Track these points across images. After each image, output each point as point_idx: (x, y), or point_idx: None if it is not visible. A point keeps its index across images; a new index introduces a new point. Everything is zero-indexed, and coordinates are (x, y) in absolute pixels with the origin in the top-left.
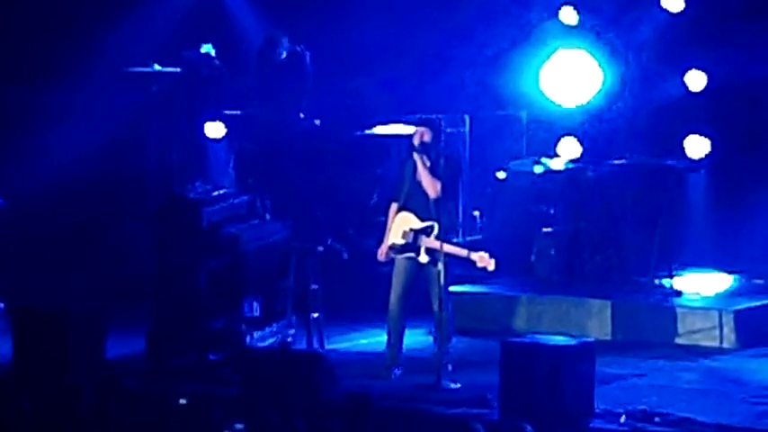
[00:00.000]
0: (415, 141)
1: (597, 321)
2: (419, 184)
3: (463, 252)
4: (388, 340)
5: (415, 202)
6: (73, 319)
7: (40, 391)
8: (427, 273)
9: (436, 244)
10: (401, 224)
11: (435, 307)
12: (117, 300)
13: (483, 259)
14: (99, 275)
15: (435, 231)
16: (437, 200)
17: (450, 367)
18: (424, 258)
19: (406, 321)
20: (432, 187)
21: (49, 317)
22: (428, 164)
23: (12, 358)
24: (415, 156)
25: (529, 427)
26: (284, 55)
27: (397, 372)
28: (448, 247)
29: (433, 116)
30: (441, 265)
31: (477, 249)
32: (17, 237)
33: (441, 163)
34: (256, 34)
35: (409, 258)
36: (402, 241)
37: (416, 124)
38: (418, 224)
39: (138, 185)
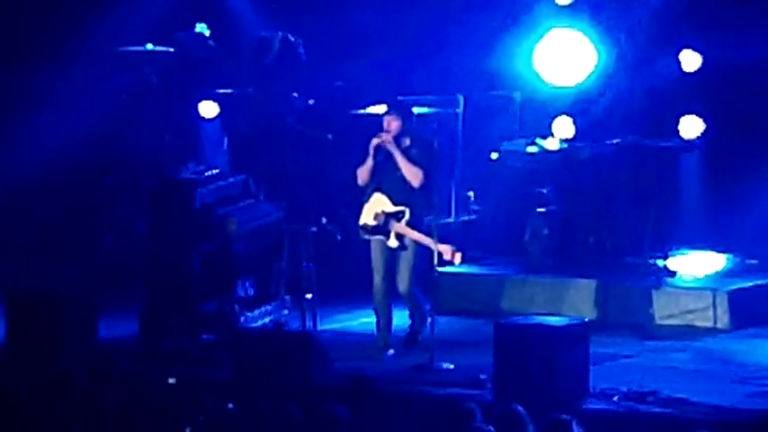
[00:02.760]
0: (387, 130)
1: (590, 302)
2: (395, 168)
3: (430, 242)
4: (378, 322)
5: (390, 185)
6: (65, 303)
7: (32, 375)
8: (397, 254)
9: (406, 230)
10: (374, 206)
11: (401, 288)
12: (110, 283)
13: (448, 252)
14: (92, 259)
15: (406, 217)
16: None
17: (391, 352)
18: (393, 243)
19: (392, 301)
20: (414, 177)
21: (41, 302)
22: (400, 149)
23: (4, 343)
24: (387, 144)
25: (522, 409)
26: (274, 56)
27: (391, 352)
28: (416, 235)
29: (403, 99)
30: (410, 248)
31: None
32: (9, 221)
33: (415, 146)
34: (249, 15)
35: (381, 243)
36: (373, 223)
37: (385, 111)
38: (390, 207)
39: (131, 167)
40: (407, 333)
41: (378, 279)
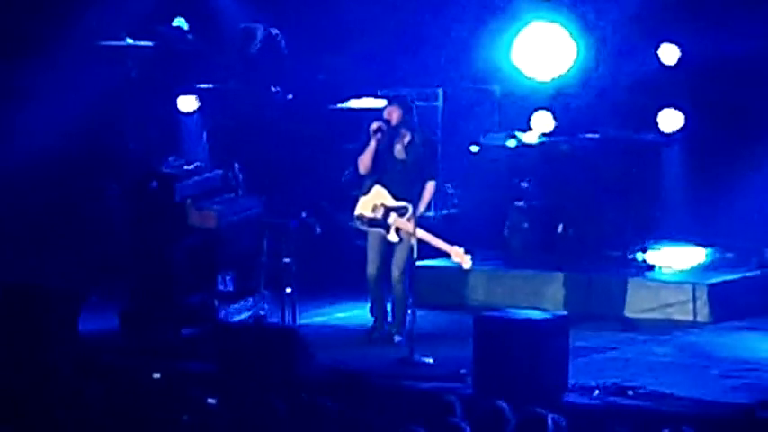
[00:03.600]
0: (388, 119)
1: (571, 295)
2: (395, 160)
3: (440, 243)
4: (373, 310)
5: (391, 178)
6: (50, 297)
7: (17, 368)
8: (394, 244)
9: (410, 228)
10: (373, 198)
11: (395, 273)
12: (94, 276)
13: (459, 255)
14: (76, 253)
15: (409, 213)
16: (415, 178)
17: (399, 338)
18: (394, 237)
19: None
20: (431, 194)
21: (25, 295)
22: (404, 142)
23: None
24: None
25: (504, 404)
26: (259, 46)
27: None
28: (423, 234)
29: (405, 93)
30: (407, 240)
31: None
32: None
33: (416, 141)
34: (230, 8)
35: (377, 234)
36: (371, 215)
37: (387, 103)
38: (391, 202)
39: (114, 161)
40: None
41: (371, 269)
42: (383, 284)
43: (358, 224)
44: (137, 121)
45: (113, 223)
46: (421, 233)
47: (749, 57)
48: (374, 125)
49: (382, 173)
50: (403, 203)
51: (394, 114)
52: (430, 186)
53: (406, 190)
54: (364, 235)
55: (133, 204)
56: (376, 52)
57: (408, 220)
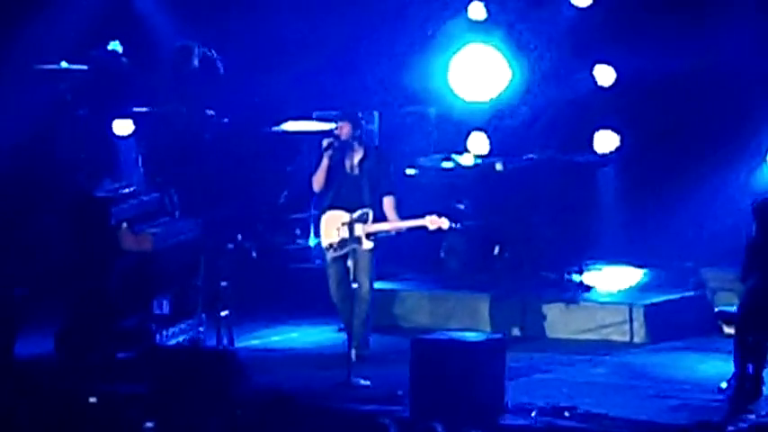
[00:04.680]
0: (338, 135)
1: (507, 317)
2: (349, 176)
3: (412, 222)
4: (347, 329)
5: (345, 193)
6: None
7: None
8: (357, 256)
9: (379, 226)
10: (330, 224)
11: (363, 290)
12: (28, 296)
13: (434, 222)
14: (10, 275)
15: (371, 215)
16: (372, 192)
17: (363, 352)
18: (369, 244)
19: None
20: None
21: None
22: (357, 157)
23: None
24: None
25: (439, 427)
26: (196, 63)
27: (355, 353)
28: (394, 224)
29: (354, 109)
30: (367, 254)
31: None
32: None
33: (370, 156)
34: (165, 30)
35: (338, 257)
36: (338, 238)
37: (337, 118)
38: (348, 216)
39: (48, 183)
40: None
41: (333, 289)
42: (349, 304)
43: (332, 253)
44: (71, 145)
45: (49, 245)
46: (390, 225)
47: (682, 77)
48: (325, 142)
49: (337, 188)
50: (360, 211)
51: (344, 129)
52: (390, 201)
53: (361, 202)
54: (304, 258)
55: (68, 227)
56: (311, 75)
57: (374, 221)
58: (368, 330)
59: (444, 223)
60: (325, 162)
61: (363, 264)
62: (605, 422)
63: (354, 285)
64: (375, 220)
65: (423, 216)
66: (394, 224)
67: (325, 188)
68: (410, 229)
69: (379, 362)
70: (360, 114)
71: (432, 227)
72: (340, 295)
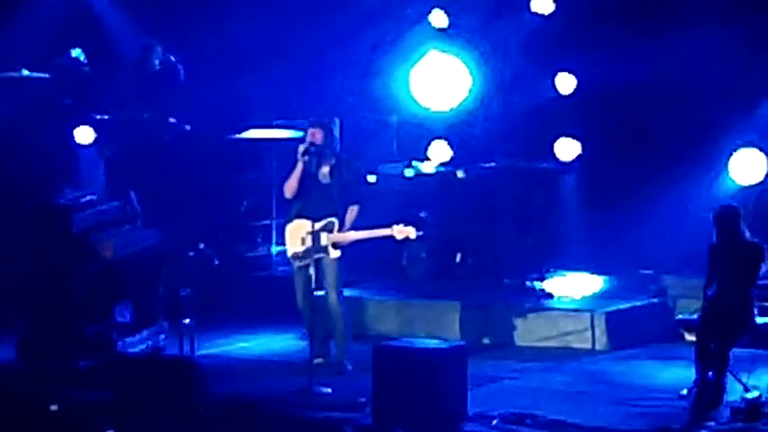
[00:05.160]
0: (314, 141)
1: (469, 324)
2: (319, 184)
3: (379, 232)
4: (310, 338)
5: (315, 200)
6: None
7: None
8: (323, 266)
9: (346, 236)
10: (294, 233)
11: (331, 299)
12: None
13: (402, 231)
14: None
15: (336, 225)
16: (341, 202)
17: (349, 366)
18: (335, 253)
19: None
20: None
21: None
22: (329, 165)
23: None
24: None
25: None
26: (158, 64)
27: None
28: (360, 234)
29: (325, 117)
30: (333, 262)
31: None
32: None
33: (341, 165)
34: (128, 38)
35: (303, 266)
36: (302, 248)
37: (310, 125)
38: (313, 226)
39: (9, 191)
40: (329, 361)
41: (300, 298)
42: (315, 311)
43: (298, 263)
44: (33, 153)
45: (11, 253)
46: (357, 234)
47: (643, 86)
48: (301, 147)
49: (307, 196)
50: (326, 220)
51: (317, 135)
52: (354, 210)
53: (330, 213)
54: (266, 266)
55: (30, 235)
56: (273, 82)
57: (339, 231)
58: (348, 341)
59: (411, 232)
60: (299, 167)
61: (329, 273)
62: (567, 429)
63: (320, 293)
64: (341, 229)
65: (389, 225)
66: (360, 234)
67: (297, 195)
68: (377, 239)
69: (339, 369)
70: (332, 122)
71: (399, 236)
72: (305, 304)
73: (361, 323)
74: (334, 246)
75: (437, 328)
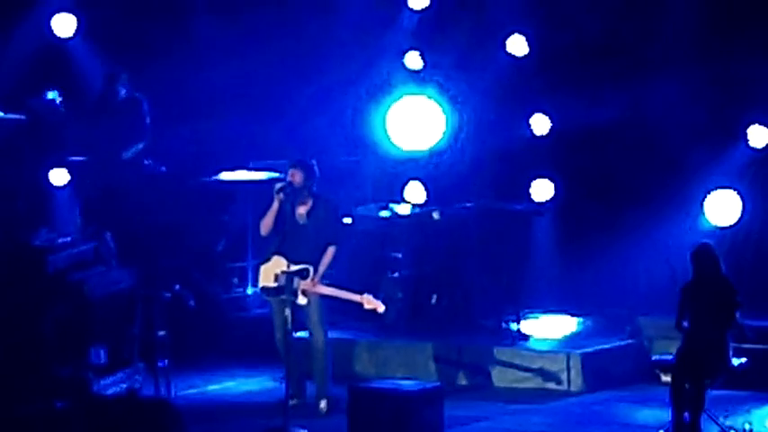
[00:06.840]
0: (291, 181)
1: (444, 365)
2: (297, 225)
3: (349, 295)
4: (287, 377)
5: (292, 242)
6: None
7: None
8: (307, 305)
9: (318, 288)
10: (272, 267)
11: (318, 339)
12: None
13: (370, 302)
14: None
15: (311, 274)
16: (318, 243)
17: (325, 407)
18: (303, 300)
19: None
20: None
21: None
22: (306, 206)
23: None
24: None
25: None
26: (124, 93)
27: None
28: (330, 290)
29: (307, 159)
30: (315, 301)
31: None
32: None
33: (319, 207)
34: (96, 75)
35: (280, 305)
36: (274, 284)
37: (290, 165)
38: (290, 267)
39: None
40: (303, 401)
41: (279, 334)
42: (292, 349)
43: (265, 296)
44: (6, 194)
45: None
46: (327, 290)
47: (617, 126)
48: (278, 185)
49: (283, 236)
50: (303, 266)
51: (296, 177)
52: (330, 251)
53: (306, 254)
54: (241, 307)
55: (5, 276)
56: (248, 122)
57: (312, 280)
58: (328, 381)
59: (380, 307)
60: (275, 205)
61: (314, 312)
62: None
63: (301, 334)
64: (314, 279)
65: (361, 292)
66: (330, 290)
67: (272, 233)
68: (344, 301)
69: (316, 410)
70: (313, 164)
71: (367, 306)
72: (282, 342)
73: (337, 364)
74: (303, 293)
75: (413, 369)
